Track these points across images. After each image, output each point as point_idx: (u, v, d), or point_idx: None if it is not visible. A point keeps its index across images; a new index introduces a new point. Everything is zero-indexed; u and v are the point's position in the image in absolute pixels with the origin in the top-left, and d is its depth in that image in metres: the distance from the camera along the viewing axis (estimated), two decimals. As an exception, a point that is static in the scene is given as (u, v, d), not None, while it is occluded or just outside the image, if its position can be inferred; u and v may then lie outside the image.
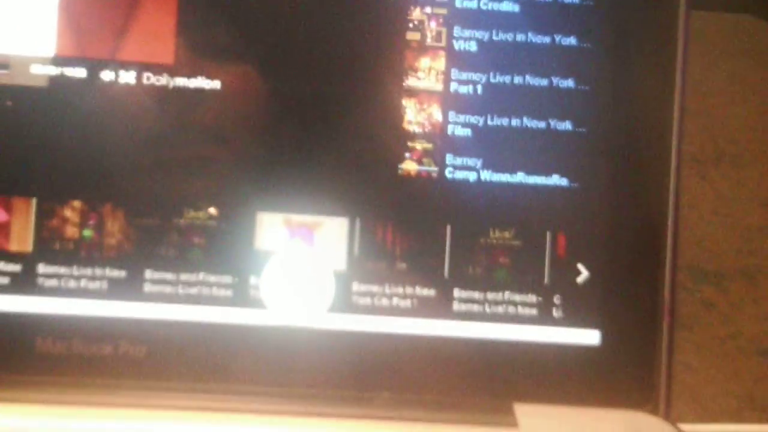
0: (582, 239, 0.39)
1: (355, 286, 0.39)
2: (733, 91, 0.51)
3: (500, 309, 0.39)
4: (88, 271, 0.38)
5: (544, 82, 0.39)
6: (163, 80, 0.38)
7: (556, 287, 0.39)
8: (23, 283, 0.38)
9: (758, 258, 0.49)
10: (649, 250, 0.39)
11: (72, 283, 0.38)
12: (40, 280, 0.38)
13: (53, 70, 0.38)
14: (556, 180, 0.39)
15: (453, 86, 0.39)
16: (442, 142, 0.39)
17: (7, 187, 0.38)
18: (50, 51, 0.38)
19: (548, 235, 0.39)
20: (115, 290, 0.38)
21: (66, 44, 0.38)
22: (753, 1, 0.50)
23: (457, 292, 0.39)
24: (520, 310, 0.39)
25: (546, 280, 0.39)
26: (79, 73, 0.38)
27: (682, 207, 0.47)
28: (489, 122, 0.39)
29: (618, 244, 0.39)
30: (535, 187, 0.39)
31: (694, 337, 0.46)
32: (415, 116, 0.39)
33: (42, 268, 0.38)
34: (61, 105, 0.38)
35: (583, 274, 0.39)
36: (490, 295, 0.39)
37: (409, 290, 0.39)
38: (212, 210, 0.38)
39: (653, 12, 0.39)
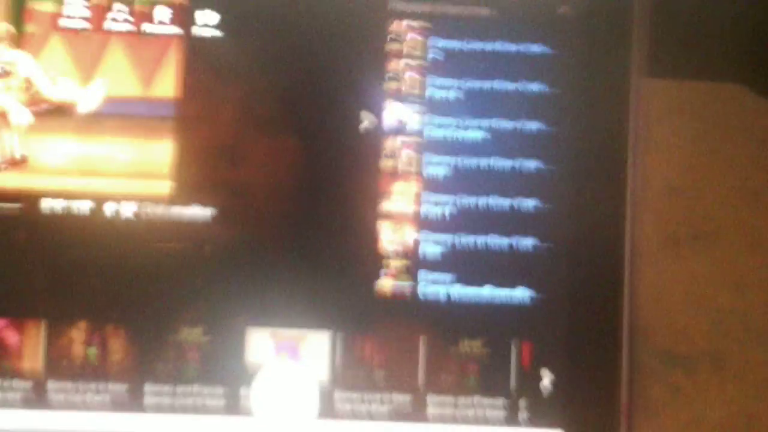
0: (545, 346, 0.43)
1: (338, 394, 0.42)
2: (715, 166, 0.54)
3: (470, 413, 0.42)
4: (93, 386, 0.42)
5: (507, 203, 0.43)
6: (159, 210, 0.42)
7: (521, 391, 0.43)
8: (34, 399, 0.42)
9: (727, 341, 0.51)
10: (607, 352, 0.43)
11: (79, 398, 0.42)
12: (50, 396, 0.42)
13: (61, 204, 0.42)
14: (521, 292, 0.43)
15: (424, 208, 0.43)
16: (415, 261, 0.43)
17: (18, 311, 0.42)
18: (57, 185, 0.42)
19: (514, 343, 0.43)
20: (118, 403, 0.42)
21: (72, 181, 0.42)
22: (737, 68, 0.53)
23: (430, 398, 0.42)
24: (489, 413, 0.42)
25: (512, 385, 0.43)
26: (84, 206, 0.42)
27: (656, 289, 0.50)
28: (458, 241, 0.43)
29: (579, 349, 0.43)
30: (501, 300, 0.43)
31: (661, 422, 0.49)
32: (390, 236, 0.43)
33: (51, 384, 0.42)
34: (67, 236, 0.42)
35: (547, 378, 0.43)
36: (461, 400, 0.42)
37: (386, 397, 0.42)
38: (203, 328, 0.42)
39: (606, 138, 0.43)
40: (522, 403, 0.42)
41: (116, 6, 0.43)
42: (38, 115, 0.42)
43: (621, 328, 0.42)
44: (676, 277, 0.48)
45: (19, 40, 0.42)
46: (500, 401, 0.42)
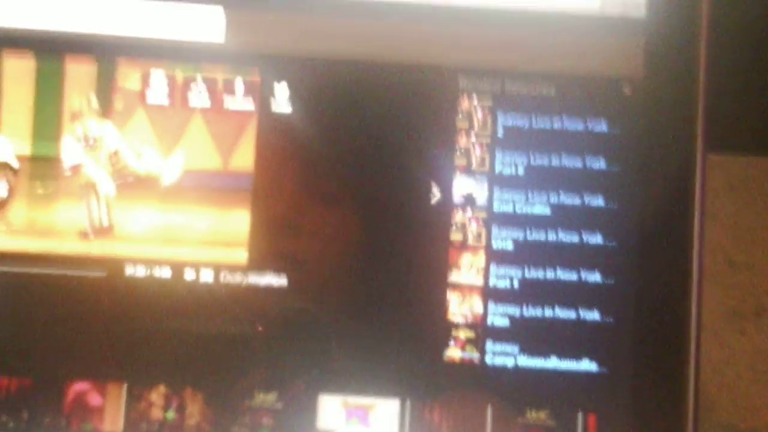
0: (611, 418, 0.44)
1: (407, 462, 0.44)
2: None
3: (537, 483, 0.43)
4: (171, 448, 0.44)
5: (574, 275, 0.44)
6: (237, 278, 0.44)
7: (588, 463, 0.43)
8: (115, 460, 0.43)
9: (792, 416, 0.52)
10: (672, 425, 0.44)
11: (157, 460, 0.43)
12: (130, 458, 0.43)
13: (143, 271, 0.44)
14: (586, 364, 0.44)
15: (492, 281, 0.44)
16: (482, 331, 0.44)
17: (102, 374, 0.44)
18: (140, 253, 0.44)
19: (580, 415, 0.44)
20: (195, 466, 0.43)
21: (154, 249, 0.44)
22: None
23: (498, 467, 0.43)
24: (556, 484, 0.43)
25: (578, 455, 0.43)
26: (166, 272, 0.44)
27: (720, 364, 0.51)
28: (524, 313, 0.44)
29: (645, 421, 0.44)
30: (566, 371, 0.44)
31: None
32: (458, 307, 0.44)
33: (131, 446, 0.44)
34: (149, 301, 0.44)
35: (613, 450, 0.43)
36: (528, 470, 0.43)
37: (454, 465, 0.44)
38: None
39: (670, 213, 0.44)
40: (588, 474, 0.43)
41: (196, 84, 0.45)
42: (124, 186, 0.44)
43: (686, 402, 0.43)
44: (740, 352, 0.49)
45: (106, 114, 0.45)
46: (566, 472, 0.43)
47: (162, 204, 0.45)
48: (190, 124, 0.45)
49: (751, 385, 0.51)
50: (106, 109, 0.45)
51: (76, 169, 0.44)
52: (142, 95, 0.45)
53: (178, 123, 0.45)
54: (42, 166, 0.44)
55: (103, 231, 0.44)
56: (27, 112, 0.44)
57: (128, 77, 0.45)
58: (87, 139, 0.44)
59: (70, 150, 0.44)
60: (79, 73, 0.45)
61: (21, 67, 0.45)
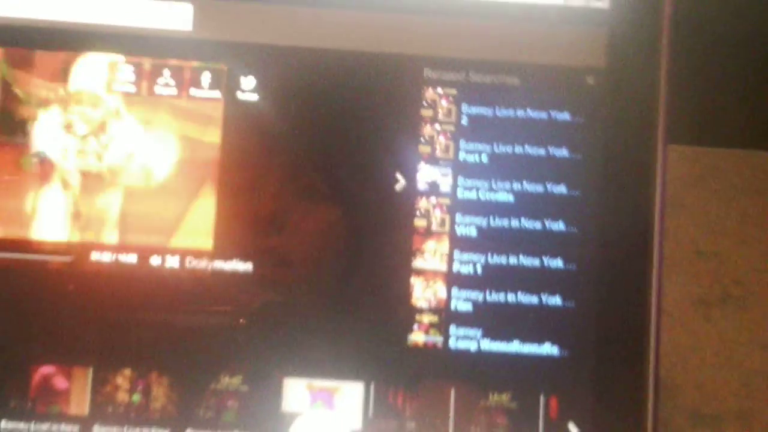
0: (573, 401, 0.44)
1: (370, 445, 0.44)
2: (744, 231, 0.55)
3: (499, 465, 0.44)
4: (137, 431, 0.44)
5: (536, 261, 0.45)
6: (203, 264, 0.45)
7: (549, 445, 0.44)
8: (80, 443, 0.44)
9: (755, 401, 0.53)
10: (633, 409, 0.45)
11: (122, 443, 0.44)
12: (95, 441, 0.44)
13: (109, 257, 0.45)
14: (548, 348, 0.45)
15: (455, 266, 0.45)
16: (446, 316, 0.45)
17: (67, 359, 0.44)
18: (108, 239, 0.45)
19: (542, 397, 0.44)
20: (160, 449, 0.44)
21: (122, 235, 0.45)
22: (762, 137, 0.55)
23: (460, 450, 0.44)
24: (517, 466, 0.44)
25: (540, 438, 0.44)
26: (132, 258, 0.45)
27: (686, 350, 0.52)
28: (488, 297, 0.45)
29: (606, 404, 0.45)
30: (529, 355, 0.45)
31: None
32: (422, 292, 0.45)
33: (97, 429, 0.44)
34: (115, 287, 0.44)
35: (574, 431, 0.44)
36: (491, 453, 0.44)
37: (417, 448, 0.44)
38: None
39: (631, 202, 0.45)
40: (549, 456, 0.43)
41: (164, 72, 0.45)
42: (94, 174, 0.45)
43: (646, 386, 0.43)
44: (705, 339, 0.50)
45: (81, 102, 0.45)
46: (528, 454, 0.44)
47: (129, 191, 0.45)
48: (157, 113, 0.45)
49: (716, 371, 0.52)
50: (80, 98, 0.45)
51: (44, 155, 0.44)
52: (109, 85, 0.45)
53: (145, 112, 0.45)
54: (9, 151, 0.44)
55: (70, 217, 0.44)
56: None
57: (96, 66, 0.45)
58: (67, 126, 0.44)
59: (39, 136, 0.44)
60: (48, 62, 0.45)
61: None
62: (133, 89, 0.45)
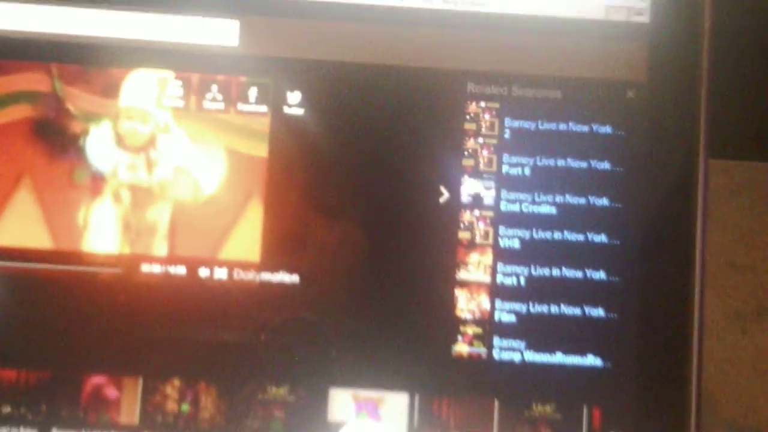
0: (615, 412, 0.45)
1: (415, 455, 0.45)
2: None
3: (543, 476, 0.44)
4: (185, 441, 0.45)
5: (579, 274, 0.46)
6: (250, 276, 0.46)
7: (592, 456, 0.45)
8: (130, 451, 0.45)
9: (793, 413, 0.52)
10: (676, 418, 0.45)
11: (171, 452, 0.45)
12: (145, 449, 0.45)
13: (159, 269, 0.46)
14: (591, 359, 0.45)
15: (499, 278, 0.46)
16: (489, 327, 0.45)
17: (118, 369, 0.45)
18: (157, 252, 0.46)
19: (585, 408, 0.45)
20: (208, 458, 0.45)
21: (171, 247, 0.46)
22: None
23: (504, 460, 0.45)
24: (561, 476, 0.44)
25: (583, 449, 0.45)
26: (181, 270, 0.46)
27: (723, 362, 0.52)
28: (531, 309, 0.45)
29: (648, 415, 0.45)
30: (572, 366, 0.45)
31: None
32: (465, 304, 0.46)
33: (147, 438, 0.45)
34: (164, 298, 0.45)
35: (617, 443, 0.45)
36: (534, 463, 0.45)
37: (462, 458, 0.45)
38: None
39: (672, 215, 0.46)
40: (592, 467, 0.44)
41: (212, 87, 0.46)
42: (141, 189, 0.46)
43: (689, 398, 0.44)
44: (742, 351, 0.50)
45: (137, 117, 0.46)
46: (572, 464, 0.44)
47: (178, 205, 0.46)
48: (206, 127, 0.46)
49: (753, 383, 0.52)
50: (130, 113, 0.46)
51: (95, 169, 0.45)
52: (159, 100, 0.46)
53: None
54: (61, 166, 0.45)
55: (121, 230, 0.45)
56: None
57: (146, 82, 0.46)
58: (118, 141, 0.45)
59: (91, 151, 0.45)
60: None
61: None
62: (181, 104, 0.46)
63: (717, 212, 0.55)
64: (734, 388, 0.51)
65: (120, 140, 0.46)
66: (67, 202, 0.46)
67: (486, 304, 0.45)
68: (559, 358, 0.45)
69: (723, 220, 0.55)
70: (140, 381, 0.45)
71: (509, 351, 0.45)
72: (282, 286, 0.45)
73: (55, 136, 0.46)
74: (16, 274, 0.45)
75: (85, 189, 0.46)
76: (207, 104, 0.46)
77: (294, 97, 0.46)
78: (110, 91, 0.46)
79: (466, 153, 0.46)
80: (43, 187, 0.46)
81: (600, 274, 0.45)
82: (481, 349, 0.45)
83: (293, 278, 0.45)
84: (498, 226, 0.45)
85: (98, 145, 0.46)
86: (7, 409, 0.45)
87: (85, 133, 0.46)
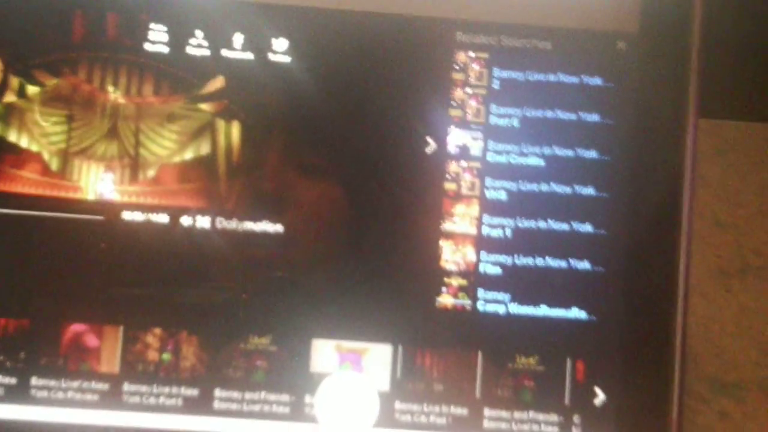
0: (599, 365, 0.45)
1: (398, 405, 0.44)
2: (764, 202, 0.55)
3: (525, 427, 0.44)
4: (166, 390, 0.44)
5: (566, 226, 0.45)
6: (233, 224, 0.45)
7: (575, 408, 0.45)
8: (110, 400, 0.44)
9: (775, 370, 0.53)
10: (659, 373, 0.45)
11: (152, 400, 0.44)
12: (125, 398, 0.44)
13: (140, 216, 0.45)
14: (575, 312, 0.45)
15: (485, 230, 0.45)
16: (474, 279, 0.45)
17: (98, 317, 0.44)
18: (138, 199, 0.45)
19: (568, 361, 0.45)
20: (189, 407, 0.44)
21: (152, 194, 0.45)
22: None
23: (487, 411, 0.45)
24: (543, 428, 0.44)
25: (566, 401, 0.44)
26: (162, 218, 0.45)
27: (706, 319, 0.52)
28: (517, 261, 0.45)
29: (632, 369, 0.45)
30: (556, 319, 0.45)
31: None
32: (450, 256, 0.45)
33: (127, 386, 0.44)
34: (145, 246, 0.45)
35: (600, 396, 0.45)
36: (517, 414, 0.45)
37: (444, 409, 0.45)
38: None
39: (660, 171, 0.45)
40: (575, 418, 0.44)
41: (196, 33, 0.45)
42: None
43: (673, 353, 0.44)
44: (725, 308, 0.50)
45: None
46: (554, 416, 0.44)
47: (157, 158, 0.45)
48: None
49: (735, 340, 0.52)
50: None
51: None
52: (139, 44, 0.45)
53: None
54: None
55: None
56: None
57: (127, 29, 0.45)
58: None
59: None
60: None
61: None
62: (166, 50, 0.45)
63: (703, 171, 0.55)
64: (717, 344, 0.51)
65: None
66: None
67: (471, 255, 0.44)
68: (543, 310, 0.44)
69: (708, 178, 0.54)
70: (121, 330, 0.44)
71: (494, 303, 0.44)
72: (265, 236, 0.44)
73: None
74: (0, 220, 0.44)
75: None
76: (190, 50, 0.45)
77: (280, 44, 0.45)
78: (91, 37, 0.45)
79: (453, 103, 0.45)
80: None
81: (586, 227, 0.45)
82: (465, 301, 0.44)
83: (277, 228, 0.44)
84: (485, 177, 0.45)
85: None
86: (-15, 356, 0.44)
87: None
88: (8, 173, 0.45)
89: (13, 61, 0.45)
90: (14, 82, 0.45)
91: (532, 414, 0.44)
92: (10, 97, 0.45)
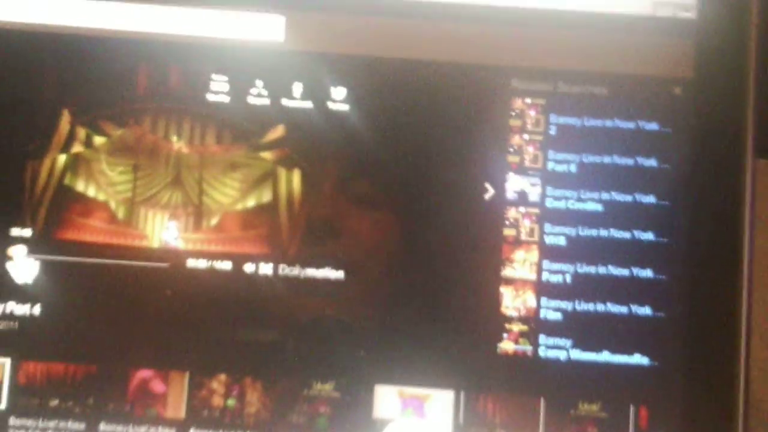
0: (662, 411, 0.45)
1: (461, 452, 0.45)
2: None
3: (589, 474, 0.44)
4: (231, 436, 0.45)
5: (626, 272, 0.45)
6: (295, 271, 0.46)
7: (639, 455, 0.44)
8: (177, 446, 0.45)
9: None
10: (722, 419, 0.45)
11: (217, 447, 0.45)
12: (191, 444, 0.45)
13: (204, 263, 0.46)
14: (638, 358, 0.45)
15: (545, 275, 0.46)
16: (535, 325, 0.45)
17: (165, 363, 0.45)
18: (202, 246, 0.46)
19: (631, 407, 0.45)
20: (254, 453, 0.45)
21: (215, 242, 0.46)
22: None
23: (550, 458, 0.44)
24: (608, 475, 0.44)
25: (630, 448, 0.44)
26: (226, 265, 0.46)
27: (765, 364, 0.52)
28: (577, 307, 0.45)
29: (695, 415, 0.45)
30: (618, 365, 0.45)
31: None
32: (511, 301, 0.45)
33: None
34: (210, 293, 0.45)
35: (664, 443, 0.44)
36: (580, 462, 0.44)
37: (507, 456, 0.45)
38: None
39: (720, 215, 0.45)
40: (639, 466, 0.44)
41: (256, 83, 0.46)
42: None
43: (736, 399, 0.43)
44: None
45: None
46: (618, 464, 0.44)
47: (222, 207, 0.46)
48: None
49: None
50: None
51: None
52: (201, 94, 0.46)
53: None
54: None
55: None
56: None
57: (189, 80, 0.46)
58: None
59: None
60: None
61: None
62: (227, 99, 0.46)
63: (759, 211, 0.54)
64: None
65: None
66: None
67: (532, 301, 0.45)
68: (605, 356, 0.44)
69: (765, 220, 0.54)
70: (187, 375, 0.45)
71: (555, 349, 0.44)
72: (327, 282, 0.45)
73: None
74: (66, 268, 0.45)
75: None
76: (251, 99, 0.46)
77: (338, 92, 0.46)
78: (155, 89, 0.46)
79: (511, 149, 0.46)
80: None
81: (647, 272, 0.45)
82: (526, 347, 0.44)
83: (338, 274, 0.45)
84: (544, 223, 0.45)
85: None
86: (54, 402, 0.45)
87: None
88: (76, 222, 0.46)
89: (80, 113, 0.46)
90: (81, 133, 0.46)
91: (595, 460, 0.44)
92: (77, 148, 0.46)
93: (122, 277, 0.45)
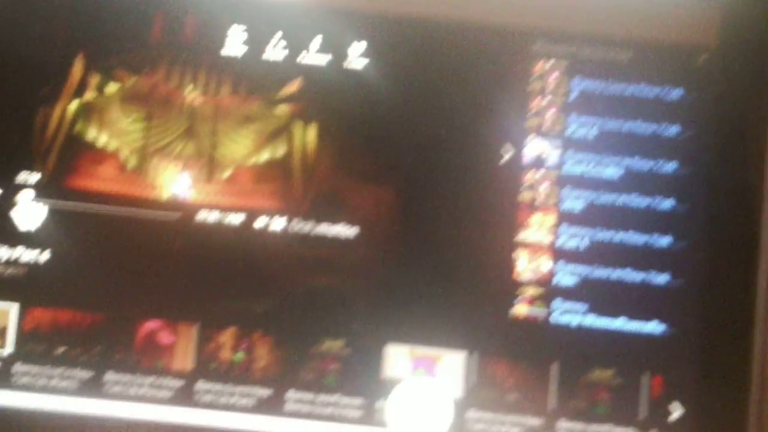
0: (676, 380, 0.44)
1: (471, 413, 0.44)
2: None
3: (600, 441, 0.44)
4: (239, 389, 0.44)
5: (644, 239, 0.45)
6: (308, 226, 0.45)
7: (651, 423, 0.44)
8: (182, 398, 0.44)
9: None
10: (737, 389, 0.44)
11: (225, 399, 0.44)
12: (198, 396, 0.44)
13: (215, 216, 0.45)
14: (654, 326, 0.44)
15: (561, 239, 0.45)
16: (550, 289, 0.45)
17: (174, 314, 0.45)
18: (214, 199, 0.45)
19: (645, 375, 0.44)
20: (261, 407, 0.44)
21: (228, 194, 0.45)
22: None
23: (560, 423, 0.44)
24: (618, 442, 0.44)
25: (642, 416, 0.44)
26: (237, 219, 0.45)
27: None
28: (593, 273, 0.45)
29: (709, 384, 0.44)
30: (633, 332, 0.44)
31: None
32: (526, 265, 0.45)
33: (199, 385, 0.44)
34: (221, 246, 0.45)
35: (677, 411, 0.44)
36: (592, 428, 0.44)
37: (518, 419, 0.44)
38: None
39: (741, 182, 0.45)
40: (650, 434, 0.43)
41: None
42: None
43: (751, 368, 0.43)
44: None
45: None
46: (629, 431, 0.43)
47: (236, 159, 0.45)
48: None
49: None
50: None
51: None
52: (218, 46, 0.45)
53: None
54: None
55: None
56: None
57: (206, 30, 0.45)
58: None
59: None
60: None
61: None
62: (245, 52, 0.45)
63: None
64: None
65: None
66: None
67: (547, 265, 0.44)
68: (620, 323, 0.44)
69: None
70: (196, 327, 0.44)
71: (569, 314, 0.44)
72: (341, 239, 0.44)
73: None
74: (76, 215, 0.44)
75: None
76: (269, 53, 0.45)
77: (357, 49, 0.45)
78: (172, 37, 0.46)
79: (531, 112, 0.45)
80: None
81: (665, 240, 0.44)
82: (541, 311, 0.44)
83: (352, 231, 0.44)
84: (562, 187, 0.44)
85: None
86: (61, 350, 0.44)
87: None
88: (86, 170, 0.45)
89: (95, 58, 0.45)
90: (95, 78, 0.45)
91: (607, 428, 0.43)
92: (90, 94, 0.45)
93: (132, 226, 0.45)
